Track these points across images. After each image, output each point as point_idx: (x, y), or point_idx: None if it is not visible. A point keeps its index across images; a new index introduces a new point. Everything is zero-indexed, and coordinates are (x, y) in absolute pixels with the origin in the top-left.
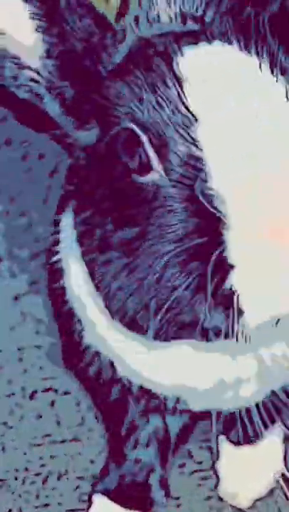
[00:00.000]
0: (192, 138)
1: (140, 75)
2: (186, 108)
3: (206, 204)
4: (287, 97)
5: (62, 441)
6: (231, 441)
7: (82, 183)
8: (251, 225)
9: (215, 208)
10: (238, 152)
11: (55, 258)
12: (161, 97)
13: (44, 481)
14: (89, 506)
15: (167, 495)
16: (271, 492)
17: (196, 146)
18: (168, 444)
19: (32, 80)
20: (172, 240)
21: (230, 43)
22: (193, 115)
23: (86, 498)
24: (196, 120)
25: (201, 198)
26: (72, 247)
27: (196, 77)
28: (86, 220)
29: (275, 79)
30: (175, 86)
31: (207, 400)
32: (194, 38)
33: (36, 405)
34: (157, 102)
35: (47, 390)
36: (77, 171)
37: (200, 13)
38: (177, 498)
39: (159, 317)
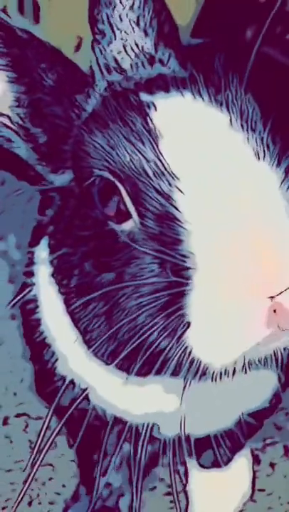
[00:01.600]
0: (167, 194)
1: (114, 126)
2: (162, 164)
3: (176, 262)
4: (257, 155)
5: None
6: (201, 465)
7: (56, 221)
8: (214, 289)
9: (184, 268)
10: (211, 211)
11: (29, 290)
12: (137, 150)
13: (15, 506)
14: None
15: None
16: None
17: (171, 204)
18: (138, 469)
19: (3, 125)
20: (145, 292)
21: (200, 94)
22: (168, 172)
23: None
24: (172, 177)
25: (173, 255)
26: (47, 282)
27: (169, 133)
28: (62, 258)
29: (246, 136)
30: (150, 141)
31: (179, 427)
32: (164, 83)
33: (8, 430)
34: (133, 154)
35: (20, 415)
36: (51, 208)
37: (164, 57)
38: None
39: (135, 356)
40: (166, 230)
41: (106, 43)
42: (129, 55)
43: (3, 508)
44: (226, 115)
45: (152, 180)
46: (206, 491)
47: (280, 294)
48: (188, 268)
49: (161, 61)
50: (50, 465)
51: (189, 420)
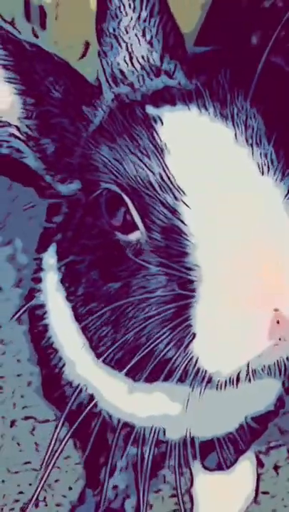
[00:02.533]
0: (173, 208)
1: (121, 140)
2: (168, 178)
3: (181, 275)
4: (261, 170)
5: (39, 469)
6: (205, 468)
7: (64, 229)
8: (218, 301)
9: (190, 281)
10: (216, 224)
11: (38, 295)
12: (144, 164)
13: (24, 509)
14: None
15: None
16: None
17: (177, 217)
18: (144, 471)
19: (12, 135)
20: (152, 303)
21: (206, 108)
22: (174, 185)
23: None
24: (178, 191)
25: (178, 268)
26: (55, 288)
27: (175, 147)
28: (69, 266)
29: (251, 151)
30: (156, 155)
31: (184, 430)
32: (170, 96)
33: (16, 433)
34: (139, 168)
35: (27, 418)
36: (59, 215)
37: (170, 69)
38: None
39: (142, 364)
40: (171, 243)
41: (112, 56)
42: (135, 67)
43: (11, 510)
44: (231, 129)
45: (158, 193)
46: (211, 493)
47: (283, 305)
48: (193, 281)
49: (167, 73)
50: (57, 467)
51: (194, 424)
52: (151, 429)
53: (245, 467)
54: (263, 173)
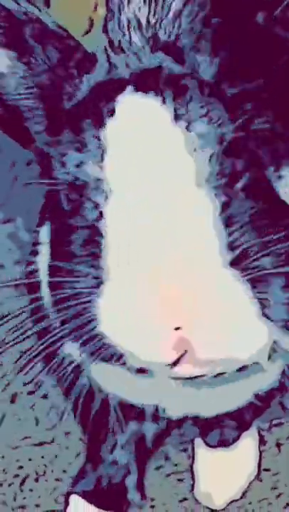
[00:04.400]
0: (99, 209)
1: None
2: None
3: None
4: (197, 182)
5: (41, 444)
6: (207, 444)
7: (54, 209)
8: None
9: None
10: (134, 227)
11: (32, 268)
12: (84, 159)
13: (22, 483)
14: (65, 507)
15: (143, 497)
16: (244, 494)
17: (99, 218)
18: (144, 447)
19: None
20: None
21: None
22: (105, 185)
23: (63, 499)
24: (107, 190)
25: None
26: (47, 261)
27: (117, 146)
28: (56, 241)
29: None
30: (97, 154)
31: (185, 408)
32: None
33: (16, 408)
34: (80, 163)
35: (27, 393)
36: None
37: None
38: (153, 500)
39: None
40: (92, 243)
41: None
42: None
43: (10, 485)
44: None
45: (90, 192)
46: (212, 470)
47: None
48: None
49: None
50: (56, 442)
51: (195, 402)
52: (150, 407)
53: (247, 444)
54: (198, 185)
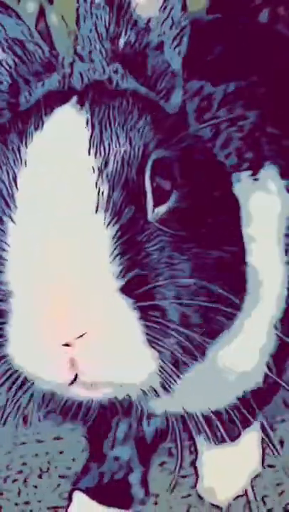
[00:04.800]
0: (4, 221)
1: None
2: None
3: None
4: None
5: (45, 440)
6: (210, 440)
7: None
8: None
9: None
10: (36, 247)
11: None
12: (4, 172)
13: (25, 479)
14: (69, 504)
15: (147, 493)
16: (247, 490)
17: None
18: (145, 444)
19: None
20: None
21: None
22: (12, 201)
23: (66, 495)
24: (11, 204)
25: None
26: None
27: (35, 161)
28: None
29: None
30: (15, 167)
31: (168, 404)
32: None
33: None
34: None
35: None
36: None
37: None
38: (156, 496)
39: None
40: None
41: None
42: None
43: (14, 481)
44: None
45: (4, 205)
46: (215, 465)
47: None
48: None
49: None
50: (61, 439)
51: (190, 399)
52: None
53: (250, 440)
54: (96, 211)
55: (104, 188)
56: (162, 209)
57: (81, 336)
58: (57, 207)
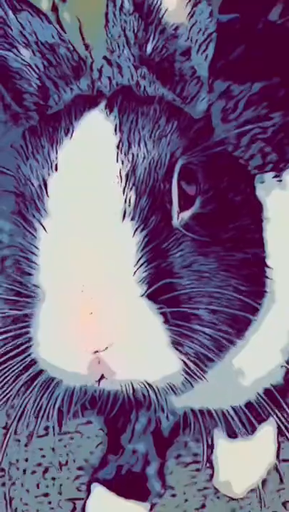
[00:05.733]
0: (35, 227)
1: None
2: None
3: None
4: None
5: (64, 434)
6: (226, 434)
7: None
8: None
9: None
10: (66, 250)
11: None
12: (34, 175)
13: (44, 472)
14: (87, 496)
15: (163, 485)
16: (264, 483)
17: (33, 238)
18: (162, 437)
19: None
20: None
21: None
22: (43, 206)
23: (85, 488)
24: (43, 211)
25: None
26: None
27: (66, 165)
28: None
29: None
30: (46, 170)
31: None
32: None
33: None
34: (29, 176)
35: None
36: None
37: None
38: (173, 488)
39: None
40: (22, 261)
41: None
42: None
43: (33, 473)
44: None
45: (34, 209)
46: (232, 459)
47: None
48: (34, 297)
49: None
50: (79, 432)
51: (199, 394)
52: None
53: (266, 434)
54: (123, 219)
55: (132, 195)
56: (187, 214)
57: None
58: (85, 213)
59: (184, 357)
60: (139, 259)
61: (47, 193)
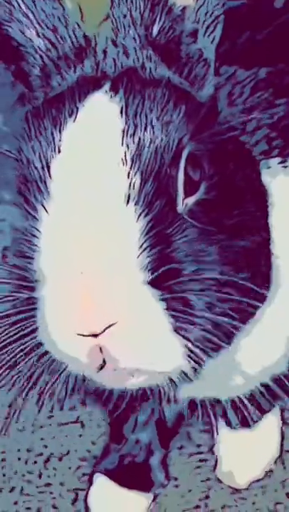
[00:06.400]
0: (36, 210)
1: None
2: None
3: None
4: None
5: (65, 423)
6: (230, 425)
7: None
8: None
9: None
10: (67, 235)
11: None
12: (37, 157)
13: (46, 462)
14: (89, 486)
15: (167, 476)
16: (267, 474)
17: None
18: (166, 427)
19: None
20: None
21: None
22: (45, 188)
23: (87, 478)
24: (46, 193)
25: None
26: None
27: (69, 147)
28: None
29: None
30: (49, 153)
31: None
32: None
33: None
34: (32, 159)
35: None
36: None
37: None
38: (176, 479)
39: None
40: (24, 243)
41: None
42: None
43: (35, 463)
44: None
45: (36, 192)
46: (235, 449)
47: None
48: (35, 281)
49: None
50: (80, 422)
51: (203, 385)
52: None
53: (270, 424)
54: (127, 203)
55: (136, 180)
56: (191, 200)
57: (109, 326)
58: (89, 196)
59: (188, 343)
60: (142, 243)
61: (50, 175)
